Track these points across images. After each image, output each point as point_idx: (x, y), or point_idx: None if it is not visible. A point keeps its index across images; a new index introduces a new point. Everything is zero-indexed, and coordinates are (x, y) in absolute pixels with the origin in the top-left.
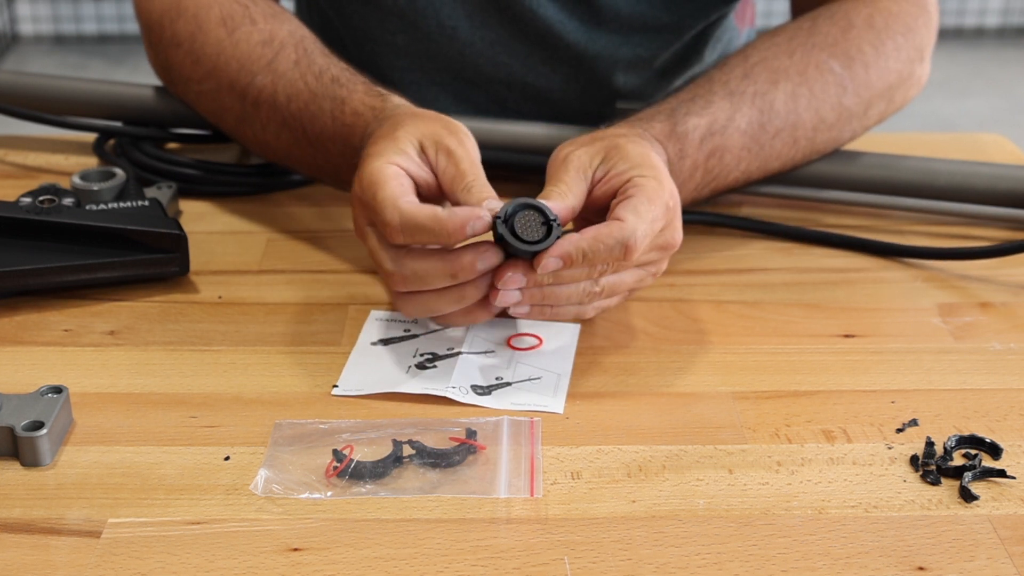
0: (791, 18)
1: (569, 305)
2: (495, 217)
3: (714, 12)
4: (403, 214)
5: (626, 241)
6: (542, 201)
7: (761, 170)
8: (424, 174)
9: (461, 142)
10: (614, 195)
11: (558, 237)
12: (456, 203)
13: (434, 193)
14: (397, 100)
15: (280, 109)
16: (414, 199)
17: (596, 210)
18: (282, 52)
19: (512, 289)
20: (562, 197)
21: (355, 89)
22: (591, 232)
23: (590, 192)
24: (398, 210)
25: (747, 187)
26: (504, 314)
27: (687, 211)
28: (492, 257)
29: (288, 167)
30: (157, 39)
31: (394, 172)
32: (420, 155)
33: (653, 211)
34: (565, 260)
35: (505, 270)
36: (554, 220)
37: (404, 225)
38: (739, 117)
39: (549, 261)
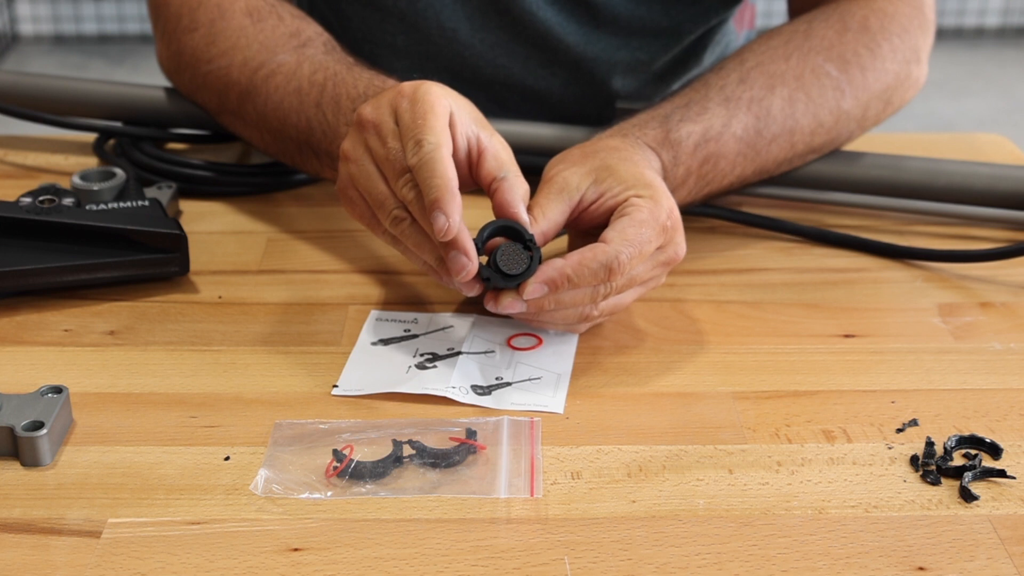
0: (788, 19)
1: (565, 323)
2: (477, 247)
3: (713, 16)
4: (439, 150)
5: (609, 264)
6: (515, 222)
7: (757, 174)
8: (461, 140)
9: (510, 152)
10: (611, 214)
11: (539, 261)
12: (495, 178)
13: (460, 168)
14: None
15: (300, 78)
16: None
17: (596, 227)
18: (310, 43)
19: (509, 312)
20: (534, 222)
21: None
22: (575, 256)
23: (584, 212)
24: (439, 144)
25: (745, 188)
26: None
27: (686, 209)
28: (460, 266)
29: (270, 146)
30: (173, 28)
31: (448, 111)
32: (471, 124)
33: (643, 233)
34: (550, 285)
35: (502, 297)
36: (530, 239)
37: (424, 162)
38: (735, 123)
39: (534, 287)
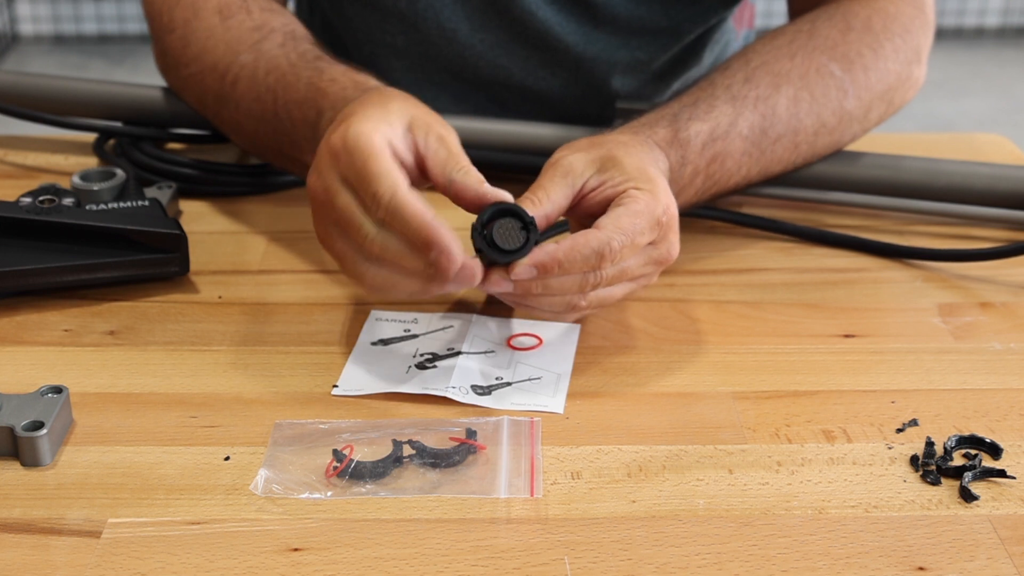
0: (789, 19)
1: (551, 310)
2: (472, 226)
3: (712, 16)
4: (396, 196)
5: (600, 250)
6: (515, 206)
7: (762, 174)
8: (406, 154)
9: (450, 131)
10: (609, 204)
11: (535, 243)
12: (445, 185)
13: (411, 176)
14: (377, 81)
15: (258, 83)
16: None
17: (593, 216)
18: (271, 36)
19: (495, 291)
20: (537, 204)
21: (336, 64)
22: (568, 242)
23: (583, 198)
24: (394, 190)
25: (748, 189)
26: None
27: (690, 210)
28: (468, 278)
29: (254, 151)
30: (156, 26)
31: (384, 144)
32: (406, 134)
33: (637, 223)
34: (540, 269)
35: (490, 273)
36: (530, 222)
37: (392, 212)
38: (741, 122)
39: (523, 269)
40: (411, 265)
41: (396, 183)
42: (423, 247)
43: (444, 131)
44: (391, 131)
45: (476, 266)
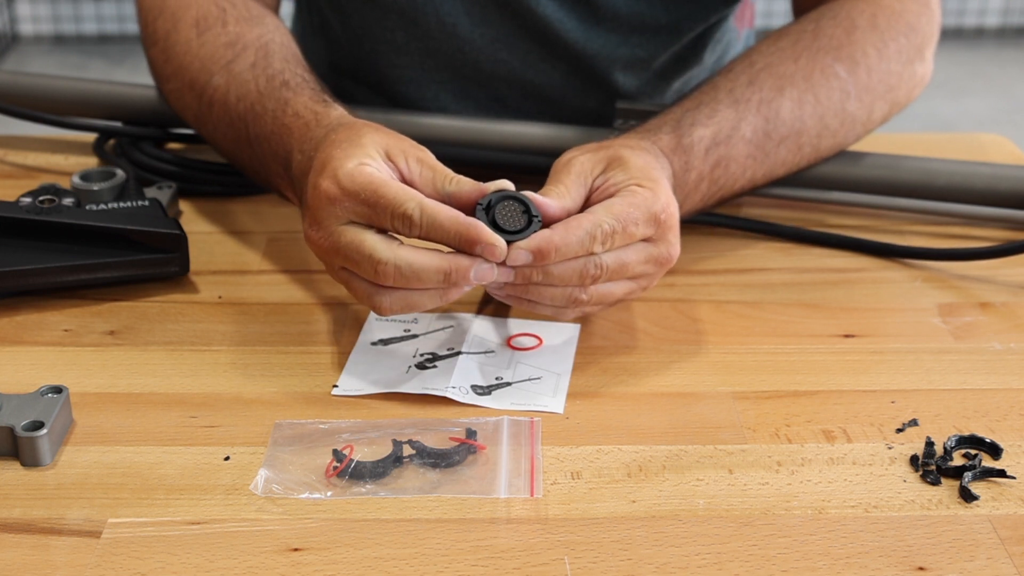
0: (793, 18)
1: (552, 305)
2: (477, 203)
3: (713, 14)
4: (426, 209)
5: (592, 231)
6: (527, 195)
7: (766, 177)
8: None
9: (424, 150)
10: None
11: (534, 231)
12: (442, 200)
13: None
14: (340, 110)
15: (229, 109)
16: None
17: None
18: (243, 54)
19: (487, 281)
20: (560, 197)
21: (301, 93)
22: (561, 226)
23: (588, 198)
24: (420, 205)
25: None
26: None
27: (691, 218)
28: (487, 273)
29: (237, 168)
30: (143, 36)
31: (378, 170)
32: (387, 163)
33: (631, 212)
34: (537, 254)
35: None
36: (536, 216)
37: (425, 226)
38: (744, 126)
39: (519, 254)
40: (428, 282)
41: (418, 197)
42: (467, 246)
43: (420, 152)
44: (375, 163)
45: (500, 242)
